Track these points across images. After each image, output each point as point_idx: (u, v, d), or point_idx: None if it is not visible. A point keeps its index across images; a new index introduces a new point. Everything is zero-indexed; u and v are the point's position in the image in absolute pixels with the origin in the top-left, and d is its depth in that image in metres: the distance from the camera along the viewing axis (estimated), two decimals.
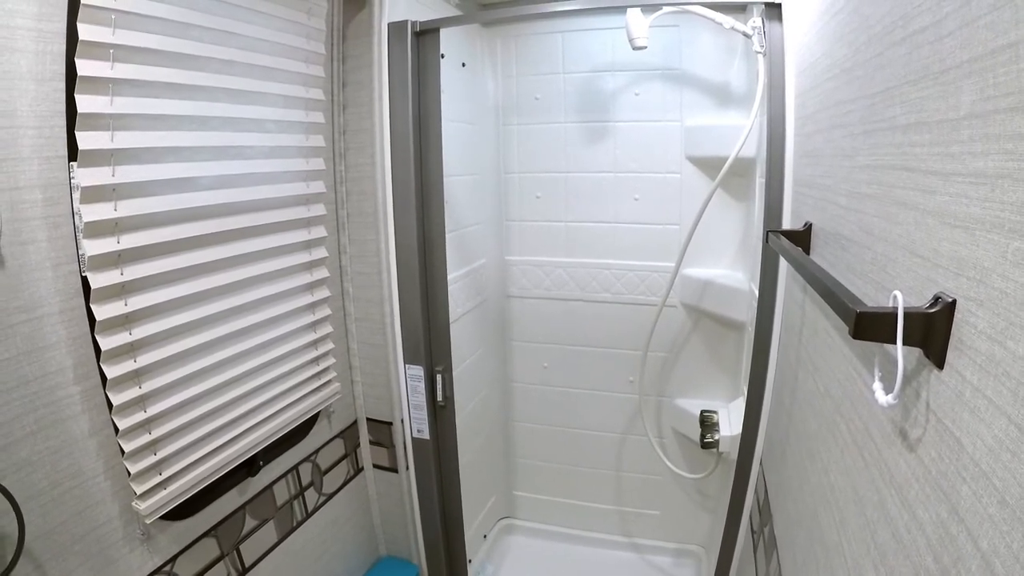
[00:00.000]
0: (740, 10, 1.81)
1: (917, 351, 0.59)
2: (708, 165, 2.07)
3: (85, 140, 0.99)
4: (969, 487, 0.47)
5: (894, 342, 0.56)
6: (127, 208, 1.07)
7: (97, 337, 1.04)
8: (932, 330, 0.54)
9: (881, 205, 0.73)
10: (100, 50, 1.00)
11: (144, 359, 1.12)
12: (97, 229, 1.03)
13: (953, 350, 0.53)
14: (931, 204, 0.58)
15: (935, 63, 0.57)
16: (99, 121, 1.02)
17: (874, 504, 0.68)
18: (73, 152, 0.99)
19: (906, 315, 0.55)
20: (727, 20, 1.64)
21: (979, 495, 0.46)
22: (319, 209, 1.58)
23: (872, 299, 0.74)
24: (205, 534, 1.33)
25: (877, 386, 0.62)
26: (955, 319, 0.52)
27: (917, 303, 0.58)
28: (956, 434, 0.50)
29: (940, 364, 0.54)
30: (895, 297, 0.56)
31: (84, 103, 0.98)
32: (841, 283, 0.73)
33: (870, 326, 0.58)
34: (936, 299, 0.54)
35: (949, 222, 0.54)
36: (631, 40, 1.68)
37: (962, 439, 0.49)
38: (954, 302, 0.52)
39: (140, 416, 1.12)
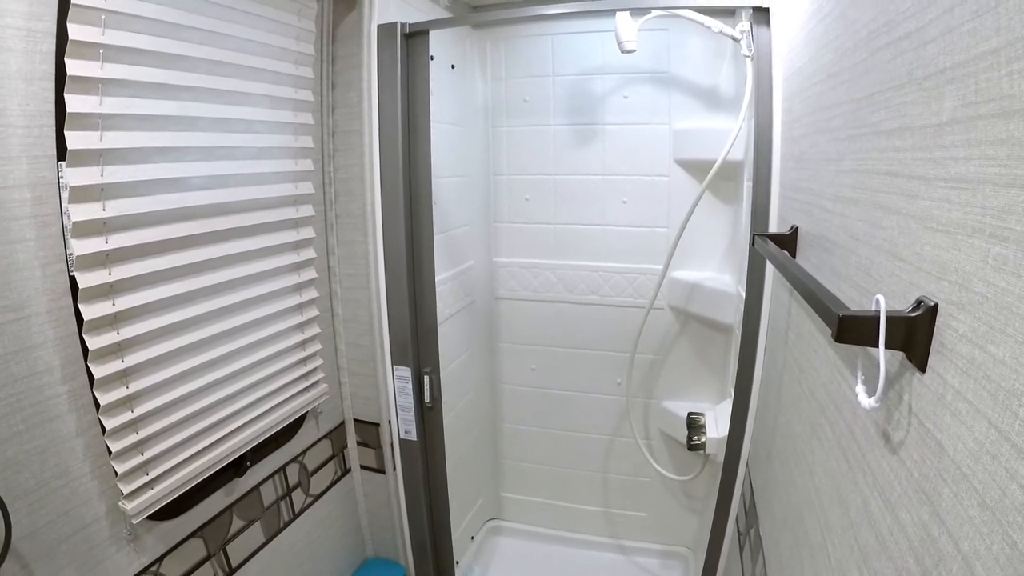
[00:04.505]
0: (729, 14, 1.83)
1: (900, 355, 0.59)
2: (696, 168, 2.09)
3: (74, 140, 0.98)
4: (950, 489, 0.48)
5: (876, 345, 0.56)
6: (115, 208, 1.07)
7: (85, 337, 1.04)
8: (914, 334, 0.55)
9: (865, 209, 0.74)
10: (90, 50, 0.99)
11: (131, 359, 1.12)
12: (85, 229, 1.03)
13: (935, 354, 0.53)
14: (914, 209, 0.59)
15: (919, 68, 0.58)
16: (88, 121, 1.01)
17: (857, 506, 0.69)
18: (62, 151, 0.99)
19: (889, 319, 0.55)
20: (715, 24, 1.64)
21: (960, 497, 0.46)
22: (307, 210, 1.58)
23: (856, 303, 0.74)
24: (192, 534, 1.33)
25: (860, 389, 0.63)
26: (937, 323, 0.53)
27: (900, 307, 0.59)
28: (937, 437, 0.51)
29: (922, 367, 0.55)
30: (878, 301, 0.57)
31: (73, 103, 0.97)
32: (825, 286, 0.73)
33: (853, 330, 0.58)
34: (919, 303, 0.55)
35: (932, 227, 0.55)
36: (620, 43, 1.68)
37: (943, 442, 0.50)
38: (936, 306, 0.53)
39: (127, 416, 1.12)
